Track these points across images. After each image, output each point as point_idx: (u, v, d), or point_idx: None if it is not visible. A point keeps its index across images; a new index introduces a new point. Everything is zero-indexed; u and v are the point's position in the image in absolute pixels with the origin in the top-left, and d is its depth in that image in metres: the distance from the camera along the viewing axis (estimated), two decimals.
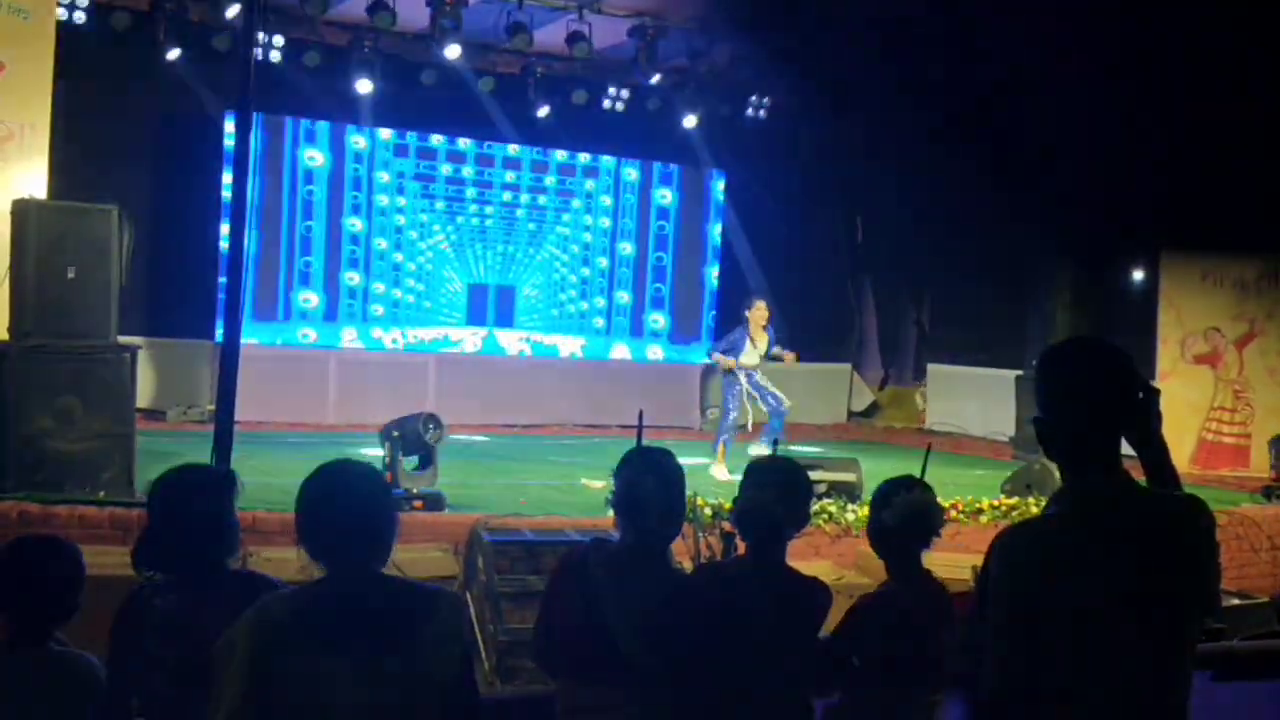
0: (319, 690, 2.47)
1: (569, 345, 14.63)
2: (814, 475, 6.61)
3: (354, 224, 13.56)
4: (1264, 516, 9.31)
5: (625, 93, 13.82)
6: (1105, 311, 12.40)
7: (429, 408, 9.02)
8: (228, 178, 10.75)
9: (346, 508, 2.61)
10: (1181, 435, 11.64)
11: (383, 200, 13.70)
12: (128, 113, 11.99)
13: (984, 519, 8.41)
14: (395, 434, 7.86)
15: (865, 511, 4.57)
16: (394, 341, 13.77)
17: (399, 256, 13.81)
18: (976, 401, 14.41)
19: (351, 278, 13.56)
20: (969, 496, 8.72)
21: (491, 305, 14.20)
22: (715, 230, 15.20)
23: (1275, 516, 9.38)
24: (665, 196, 15.05)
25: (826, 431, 14.68)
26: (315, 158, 13.33)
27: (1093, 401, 2.42)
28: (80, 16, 11.07)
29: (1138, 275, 13.62)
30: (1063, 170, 12.20)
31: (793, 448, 10.58)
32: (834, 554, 7.80)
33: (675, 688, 3.22)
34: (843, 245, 16.31)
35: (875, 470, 7.45)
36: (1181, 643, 2.37)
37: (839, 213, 16.06)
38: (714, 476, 9.73)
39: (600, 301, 14.84)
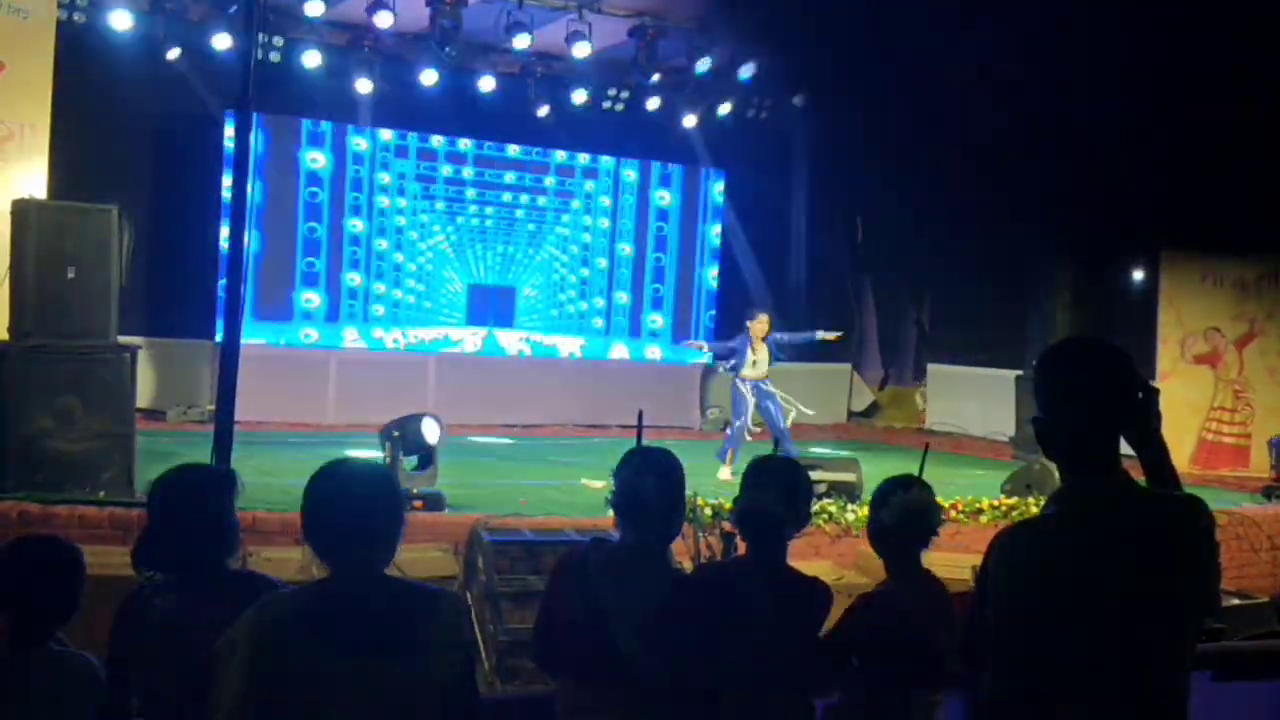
0: (319, 690, 2.46)
1: (568, 345, 14.64)
2: (814, 475, 6.63)
3: (355, 225, 13.57)
4: (1264, 516, 9.31)
5: (625, 93, 13.82)
6: (1105, 311, 12.39)
7: (429, 408, 9.02)
8: (228, 179, 10.75)
9: (350, 509, 2.60)
10: (1181, 435, 11.64)
11: (383, 201, 13.71)
12: (128, 113, 11.97)
13: (984, 519, 8.42)
14: (395, 434, 7.86)
15: (865, 511, 4.56)
16: (394, 342, 13.77)
17: (399, 257, 13.81)
18: (976, 401, 14.41)
19: (352, 278, 13.57)
20: (969, 496, 8.74)
21: (491, 305, 14.21)
22: (713, 231, 15.21)
23: (1275, 516, 9.38)
24: (664, 198, 15.06)
25: (826, 431, 14.66)
26: (317, 159, 13.34)
27: (1092, 401, 2.42)
28: (80, 16, 11.07)
29: (1138, 275, 13.62)
30: (1063, 170, 12.19)
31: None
32: (834, 554, 7.81)
33: (675, 688, 3.22)
34: (843, 245, 16.31)
35: (875, 470, 7.43)
36: (1181, 643, 2.36)
37: (839, 213, 16.06)
38: (718, 477, 9.79)
39: (599, 302, 14.85)
